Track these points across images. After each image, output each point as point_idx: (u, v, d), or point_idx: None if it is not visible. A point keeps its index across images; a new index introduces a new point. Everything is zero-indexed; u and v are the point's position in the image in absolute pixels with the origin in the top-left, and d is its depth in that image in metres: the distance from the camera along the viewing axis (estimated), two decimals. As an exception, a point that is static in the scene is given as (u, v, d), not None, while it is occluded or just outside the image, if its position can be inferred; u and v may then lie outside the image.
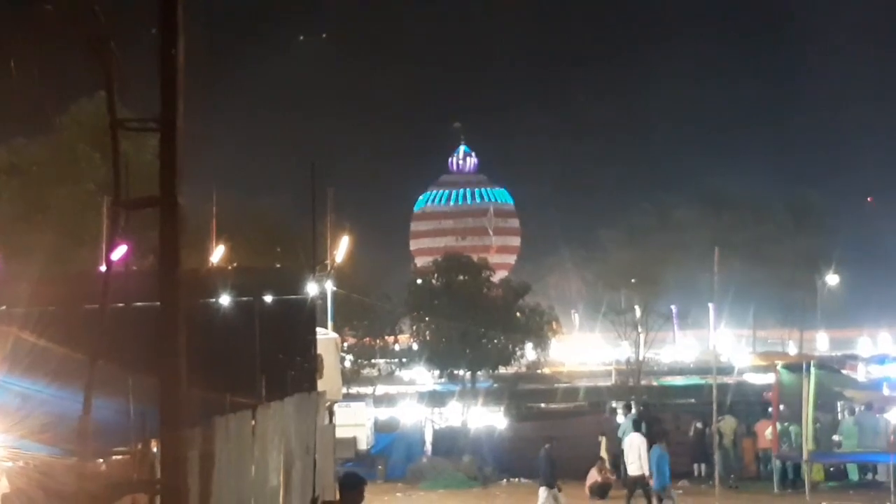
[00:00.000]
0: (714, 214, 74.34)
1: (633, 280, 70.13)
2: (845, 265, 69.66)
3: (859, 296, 77.11)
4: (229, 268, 30.93)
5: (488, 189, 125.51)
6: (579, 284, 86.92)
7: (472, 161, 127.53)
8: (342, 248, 42.06)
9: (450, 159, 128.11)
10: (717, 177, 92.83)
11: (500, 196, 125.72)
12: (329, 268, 38.03)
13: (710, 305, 58.67)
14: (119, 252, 8.06)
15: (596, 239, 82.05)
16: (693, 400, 47.46)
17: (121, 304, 7.98)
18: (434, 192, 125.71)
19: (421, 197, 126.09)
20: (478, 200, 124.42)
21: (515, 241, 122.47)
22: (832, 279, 64.07)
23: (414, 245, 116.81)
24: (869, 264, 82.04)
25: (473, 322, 61.80)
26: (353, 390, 52.46)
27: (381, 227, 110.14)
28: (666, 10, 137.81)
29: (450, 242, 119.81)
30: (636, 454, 25.92)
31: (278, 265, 41.32)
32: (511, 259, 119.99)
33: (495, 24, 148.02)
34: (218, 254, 36.21)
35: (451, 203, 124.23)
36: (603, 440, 33.01)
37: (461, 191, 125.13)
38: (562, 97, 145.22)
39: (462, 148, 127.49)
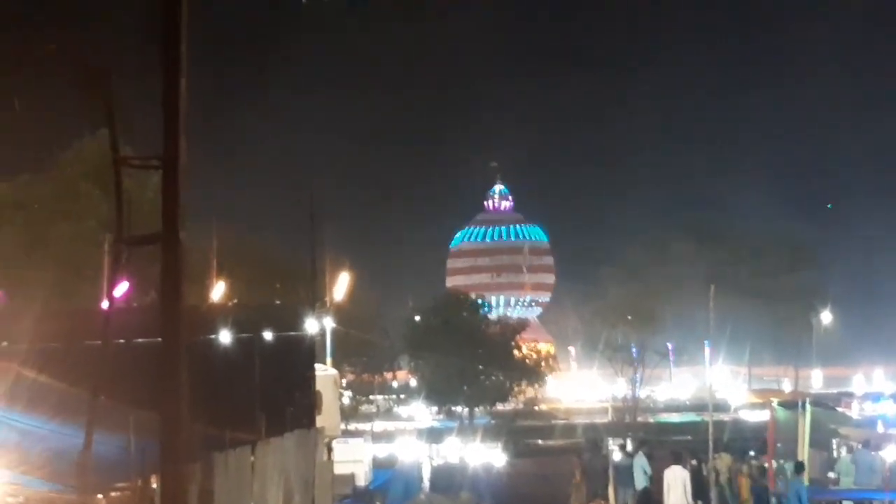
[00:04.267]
0: (711, 251, 74.49)
1: (629, 317, 70.15)
2: (840, 302, 69.79)
3: (854, 333, 77.17)
4: (229, 304, 31.01)
5: (524, 226, 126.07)
6: (577, 321, 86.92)
7: (507, 203, 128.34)
8: (341, 285, 42.10)
9: (486, 199, 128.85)
10: (714, 213, 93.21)
11: (535, 234, 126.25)
12: (328, 304, 38.10)
13: (706, 342, 58.69)
14: (121, 289, 8.17)
15: (596, 275, 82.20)
16: (689, 437, 47.42)
17: (122, 341, 8.08)
18: (471, 228, 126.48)
19: (458, 234, 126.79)
20: (513, 238, 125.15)
21: (550, 279, 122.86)
22: (827, 317, 64.17)
23: (450, 282, 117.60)
24: (864, 302, 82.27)
25: (471, 359, 61.86)
26: (352, 426, 52.38)
27: (413, 265, 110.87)
28: (680, 54, 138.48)
29: (484, 279, 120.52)
30: (681, 488, 26.32)
31: (278, 302, 41.37)
32: (546, 297, 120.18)
33: (527, 65, 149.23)
34: (218, 290, 36.25)
35: (487, 240, 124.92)
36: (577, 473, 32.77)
37: (496, 228, 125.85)
38: (587, 136, 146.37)
39: (498, 187, 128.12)
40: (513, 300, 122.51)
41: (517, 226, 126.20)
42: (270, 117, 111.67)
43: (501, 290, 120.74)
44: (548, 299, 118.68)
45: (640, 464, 28.29)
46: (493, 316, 73.40)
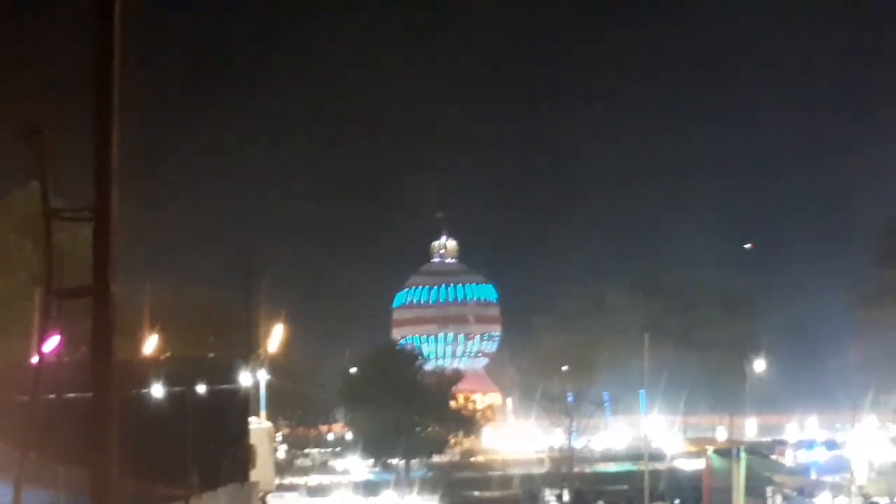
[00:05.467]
0: (644, 301, 75.04)
1: (564, 367, 70.35)
2: (774, 351, 70.47)
3: (787, 381, 77.88)
4: (162, 358, 30.70)
5: (472, 285, 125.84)
6: (513, 371, 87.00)
7: (453, 254, 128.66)
8: (276, 337, 41.84)
9: (432, 250, 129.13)
10: (651, 263, 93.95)
11: (485, 293, 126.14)
12: (263, 357, 37.83)
13: (641, 392, 59.01)
14: (51, 343, 8.05)
15: (531, 325, 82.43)
16: (626, 486, 47.55)
17: (52, 396, 7.97)
18: (412, 288, 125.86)
19: (400, 293, 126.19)
20: (459, 298, 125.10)
21: (496, 330, 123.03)
22: (760, 365, 64.80)
23: (396, 333, 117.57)
24: (797, 350, 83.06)
25: (407, 410, 61.64)
26: (287, 480, 51.90)
27: (359, 317, 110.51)
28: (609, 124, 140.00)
29: (431, 330, 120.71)
30: None
31: (212, 355, 41.02)
32: (492, 347, 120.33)
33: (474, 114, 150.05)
34: (151, 343, 35.88)
35: (432, 301, 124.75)
36: None
37: (441, 287, 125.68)
38: (530, 186, 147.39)
39: (444, 237, 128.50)
40: (459, 351, 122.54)
41: (463, 285, 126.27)
42: (210, 169, 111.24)
43: (447, 336, 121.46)
44: (494, 350, 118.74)
45: None
46: (428, 367, 73.26)
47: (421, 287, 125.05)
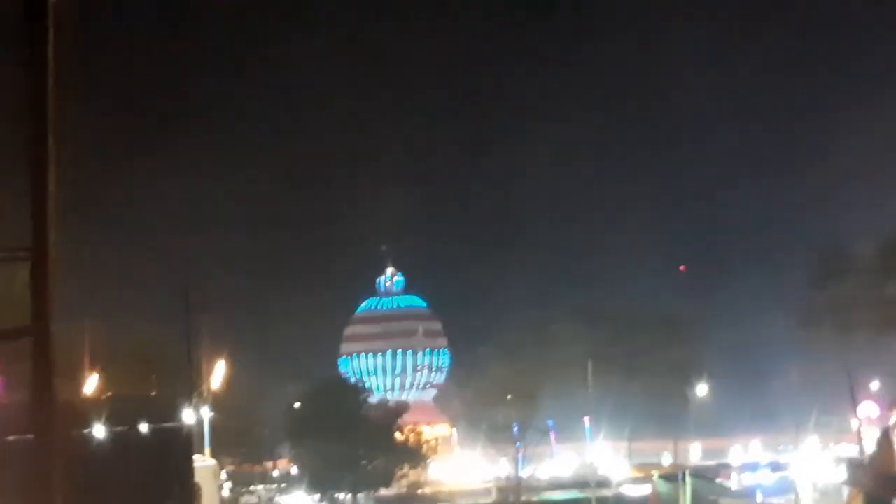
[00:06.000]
0: (587, 329, 75.29)
1: (509, 397, 70.41)
2: (715, 375, 70.96)
3: (730, 405, 78.41)
4: (103, 397, 30.39)
5: (402, 297, 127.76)
6: (458, 402, 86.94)
7: (398, 287, 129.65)
8: (218, 374, 41.57)
9: (377, 283, 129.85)
10: (590, 291, 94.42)
11: (414, 302, 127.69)
12: (205, 394, 37.56)
13: (586, 419, 59.25)
14: (-9, 385, 7.96)
15: (475, 355, 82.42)
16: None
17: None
18: (364, 307, 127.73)
19: (352, 316, 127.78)
20: (401, 306, 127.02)
21: (444, 362, 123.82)
22: (702, 390, 65.22)
23: (346, 350, 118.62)
24: (738, 374, 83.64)
25: (353, 444, 61.39)
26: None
27: (304, 351, 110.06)
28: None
29: (380, 347, 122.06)
30: None
31: (153, 393, 40.64)
32: (440, 378, 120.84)
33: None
34: (92, 383, 35.51)
35: (381, 308, 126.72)
36: None
37: (389, 309, 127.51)
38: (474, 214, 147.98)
39: (390, 270, 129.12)
40: (408, 383, 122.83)
41: (408, 305, 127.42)
42: (149, 204, 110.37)
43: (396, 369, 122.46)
44: (442, 381, 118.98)
45: None
46: (373, 400, 73.12)
47: (366, 325, 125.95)
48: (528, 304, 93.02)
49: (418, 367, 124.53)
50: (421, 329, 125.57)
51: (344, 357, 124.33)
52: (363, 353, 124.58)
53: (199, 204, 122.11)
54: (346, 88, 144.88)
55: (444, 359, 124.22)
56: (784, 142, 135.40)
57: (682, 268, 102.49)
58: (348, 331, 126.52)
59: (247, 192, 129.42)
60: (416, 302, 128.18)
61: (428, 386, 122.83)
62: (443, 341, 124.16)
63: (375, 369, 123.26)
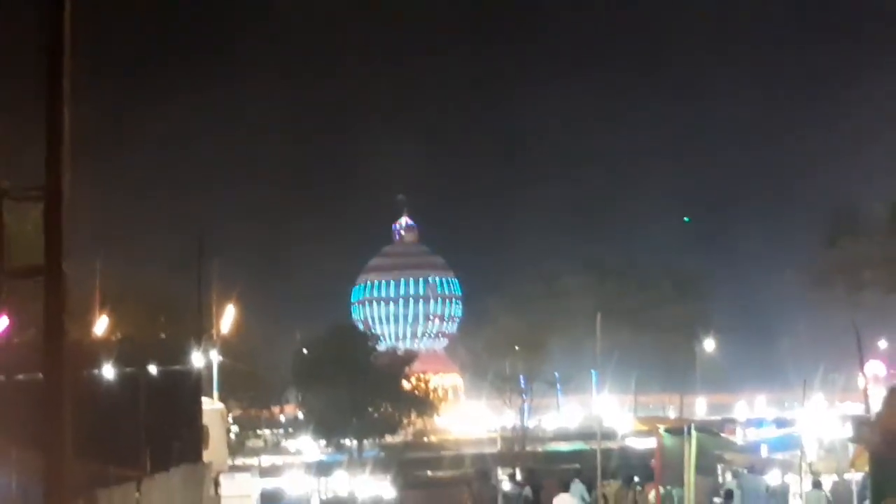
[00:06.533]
0: (597, 282, 75.31)
1: (516, 347, 70.57)
2: (723, 331, 71.02)
3: (737, 361, 78.60)
4: (113, 339, 30.50)
5: (438, 278, 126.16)
6: (465, 352, 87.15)
7: (413, 236, 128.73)
8: (228, 318, 41.66)
9: (392, 232, 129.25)
10: (600, 245, 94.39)
11: (438, 262, 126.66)
12: (214, 338, 37.67)
13: (593, 372, 59.32)
14: (1, 324, 7.99)
15: (485, 305, 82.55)
16: (578, 465, 47.75)
17: (2, 378, 7.90)
18: (370, 283, 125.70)
19: (356, 287, 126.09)
20: (418, 265, 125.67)
21: (457, 311, 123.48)
22: (710, 345, 65.26)
23: (357, 313, 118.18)
24: (746, 331, 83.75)
25: (360, 391, 61.64)
26: (239, 461, 51.82)
27: (319, 298, 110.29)
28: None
29: (392, 310, 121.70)
30: None
31: (163, 336, 40.80)
32: (453, 328, 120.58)
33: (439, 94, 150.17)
34: (102, 325, 35.61)
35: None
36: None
37: (403, 258, 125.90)
38: (491, 166, 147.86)
39: (405, 219, 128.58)
40: (419, 332, 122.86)
41: (422, 255, 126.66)
42: (164, 149, 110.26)
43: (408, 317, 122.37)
44: (454, 331, 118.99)
45: (579, 491, 28.24)
46: (382, 348, 73.35)
47: (380, 282, 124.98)
48: (539, 255, 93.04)
49: (430, 316, 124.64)
50: (433, 278, 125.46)
51: (356, 304, 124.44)
52: (375, 301, 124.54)
53: (214, 149, 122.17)
54: (363, 38, 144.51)
55: (456, 308, 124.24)
56: (801, 99, 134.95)
57: (686, 218, 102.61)
58: (361, 278, 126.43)
59: (263, 139, 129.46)
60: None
61: (440, 335, 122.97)
62: (457, 308, 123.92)
63: (387, 317, 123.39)
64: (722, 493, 26.73)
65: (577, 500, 27.63)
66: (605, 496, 30.59)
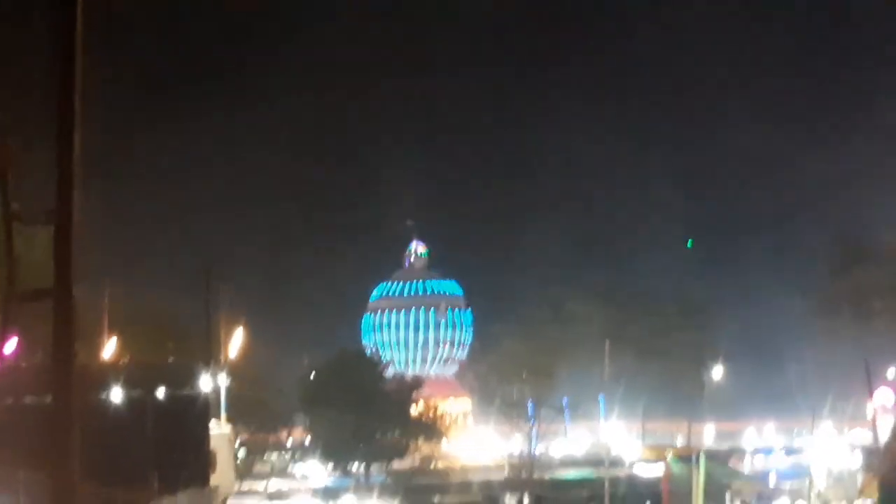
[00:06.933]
0: (604, 309, 75.25)
1: (524, 373, 70.49)
2: (731, 359, 70.78)
3: (745, 389, 78.27)
4: (121, 363, 30.52)
5: (439, 280, 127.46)
6: (472, 378, 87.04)
7: (423, 261, 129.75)
8: (236, 343, 41.69)
9: (403, 258, 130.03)
10: (608, 271, 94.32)
11: (450, 288, 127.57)
12: (223, 362, 37.68)
13: (601, 397, 59.28)
14: (10, 346, 8.00)
15: (493, 331, 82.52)
16: (585, 493, 47.68)
17: (10, 400, 7.91)
18: (389, 283, 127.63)
19: (377, 289, 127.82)
20: (430, 292, 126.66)
21: (467, 337, 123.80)
22: (717, 372, 65.13)
23: (368, 339, 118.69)
24: (754, 358, 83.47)
25: (367, 416, 61.54)
26: (246, 485, 51.70)
27: (329, 325, 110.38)
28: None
29: (402, 336, 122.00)
30: None
31: (171, 359, 40.80)
32: (463, 354, 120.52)
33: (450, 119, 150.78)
34: (110, 348, 35.64)
35: (405, 295, 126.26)
36: None
37: (413, 283, 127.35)
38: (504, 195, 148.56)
39: (415, 245, 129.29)
40: (429, 358, 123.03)
41: (434, 280, 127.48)
42: (173, 173, 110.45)
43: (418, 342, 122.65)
44: (464, 356, 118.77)
45: None
46: (390, 373, 73.27)
47: (390, 309, 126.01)
48: (546, 281, 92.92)
49: (441, 342, 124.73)
50: (444, 304, 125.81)
51: (366, 330, 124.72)
52: (385, 327, 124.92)
53: (223, 172, 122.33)
54: (374, 61, 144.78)
55: (466, 334, 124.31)
56: (810, 125, 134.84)
57: (690, 242, 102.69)
58: (371, 304, 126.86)
59: (272, 162, 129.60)
60: (452, 287, 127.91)
61: (450, 361, 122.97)
62: (467, 335, 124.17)
63: (397, 343, 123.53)
64: None
65: None
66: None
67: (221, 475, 18.12)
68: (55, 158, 6.93)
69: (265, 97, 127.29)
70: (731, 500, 30.26)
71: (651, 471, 53.58)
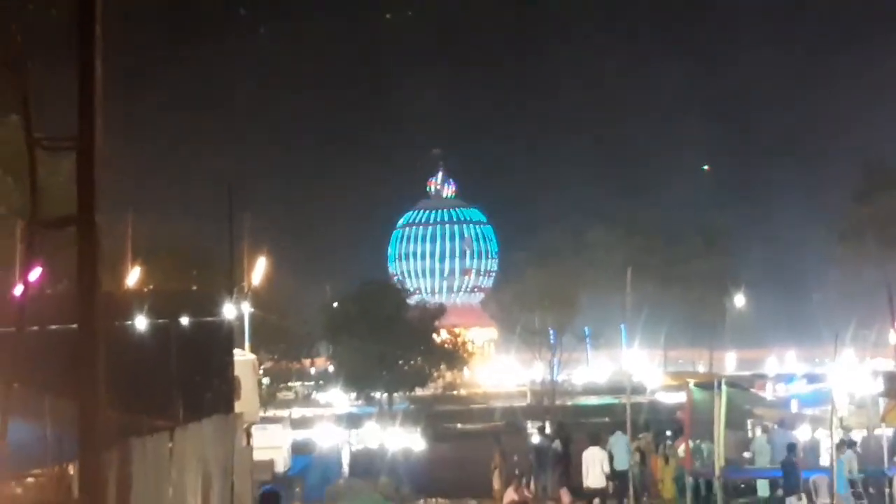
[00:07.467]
0: (626, 236, 75.19)
1: (546, 302, 70.61)
2: (753, 287, 70.81)
3: (766, 316, 78.39)
4: (145, 290, 30.64)
5: (464, 209, 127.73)
6: (495, 307, 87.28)
7: (449, 189, 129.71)
8: (259, 271, 41.82)
9: (428, 186, 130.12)
10: (630, 198, 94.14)
11: (474, 215, 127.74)
12: (246, 290, 37.83)
13: (623, 326, 59.30)
14: (35, 273, 8.01)
15: (514, 260, 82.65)
16: (607, 419, 47.85)
17: (36, 328, 7.94)
18: (416, 211, 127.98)
19: (404, 217, 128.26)
20: (455, 218, 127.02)
21: (492, 265, 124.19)
22: (740, 300, 65.12)
23: (394, 267, 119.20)
24: (776, 286, 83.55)
25: (390, 344, 61.84)
26: (270, 413, 52.16)
27: (355, 252, 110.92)
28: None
29: (427, 264, 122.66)
30: (599, 468, 27.27)
31: (195, 287, 40.97)
32: (488, 282, 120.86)
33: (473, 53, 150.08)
34: (133, 276, 35.80)
35: (431, 222, 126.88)
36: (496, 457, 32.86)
37: (440, 211, 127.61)
38: (529, 125, 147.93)
39: (441, 173, 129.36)
40: (455, 286, 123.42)
41: (459, 209, 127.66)
42: (197, 101, 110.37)
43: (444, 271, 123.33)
44: (490, 285, 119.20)
45: (624, 442, 28.59)
46: (413, 301, 73.51)
47: (415, 236, 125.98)
48: (569, 210, 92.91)
49: (466, 271, 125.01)
50: (469, 232, 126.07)
51: (391, 259, 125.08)
52: (411, 255, 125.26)
53: (247, 102, 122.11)
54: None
55: (492, 263, 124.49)
56: (834, 51, 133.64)
57: (706, 167, 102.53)
58: (397, 233, 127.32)
59: (297, 91, 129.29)
60: (476, 215, 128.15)
61: (476, 289, 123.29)
62: (492, 263, 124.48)
63: (423, 272, 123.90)
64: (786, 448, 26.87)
65: (624, 451, 27.88)
66: (639, 449, 30.67)
67: (246, 402, 18.22)
68: (77, 84, 6.90)
69: (292, 24, 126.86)
70: (753, 427, 30.29)
71: (672, 398, 53.78)
